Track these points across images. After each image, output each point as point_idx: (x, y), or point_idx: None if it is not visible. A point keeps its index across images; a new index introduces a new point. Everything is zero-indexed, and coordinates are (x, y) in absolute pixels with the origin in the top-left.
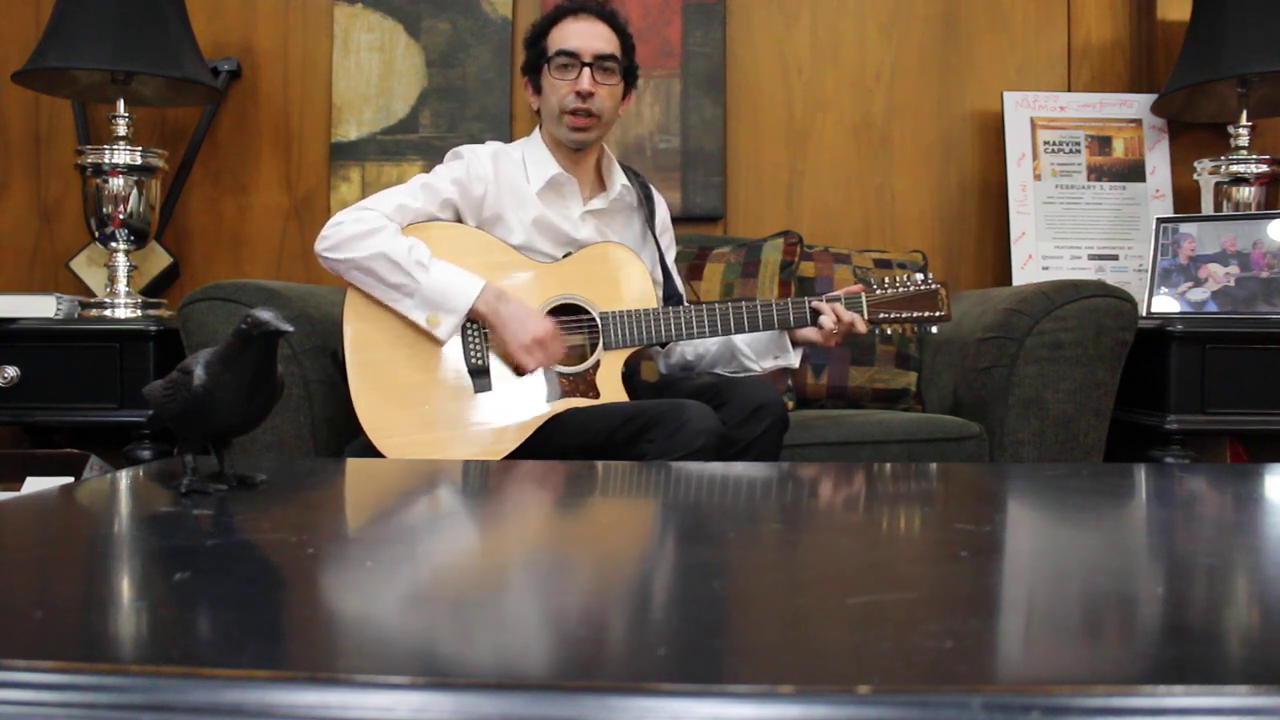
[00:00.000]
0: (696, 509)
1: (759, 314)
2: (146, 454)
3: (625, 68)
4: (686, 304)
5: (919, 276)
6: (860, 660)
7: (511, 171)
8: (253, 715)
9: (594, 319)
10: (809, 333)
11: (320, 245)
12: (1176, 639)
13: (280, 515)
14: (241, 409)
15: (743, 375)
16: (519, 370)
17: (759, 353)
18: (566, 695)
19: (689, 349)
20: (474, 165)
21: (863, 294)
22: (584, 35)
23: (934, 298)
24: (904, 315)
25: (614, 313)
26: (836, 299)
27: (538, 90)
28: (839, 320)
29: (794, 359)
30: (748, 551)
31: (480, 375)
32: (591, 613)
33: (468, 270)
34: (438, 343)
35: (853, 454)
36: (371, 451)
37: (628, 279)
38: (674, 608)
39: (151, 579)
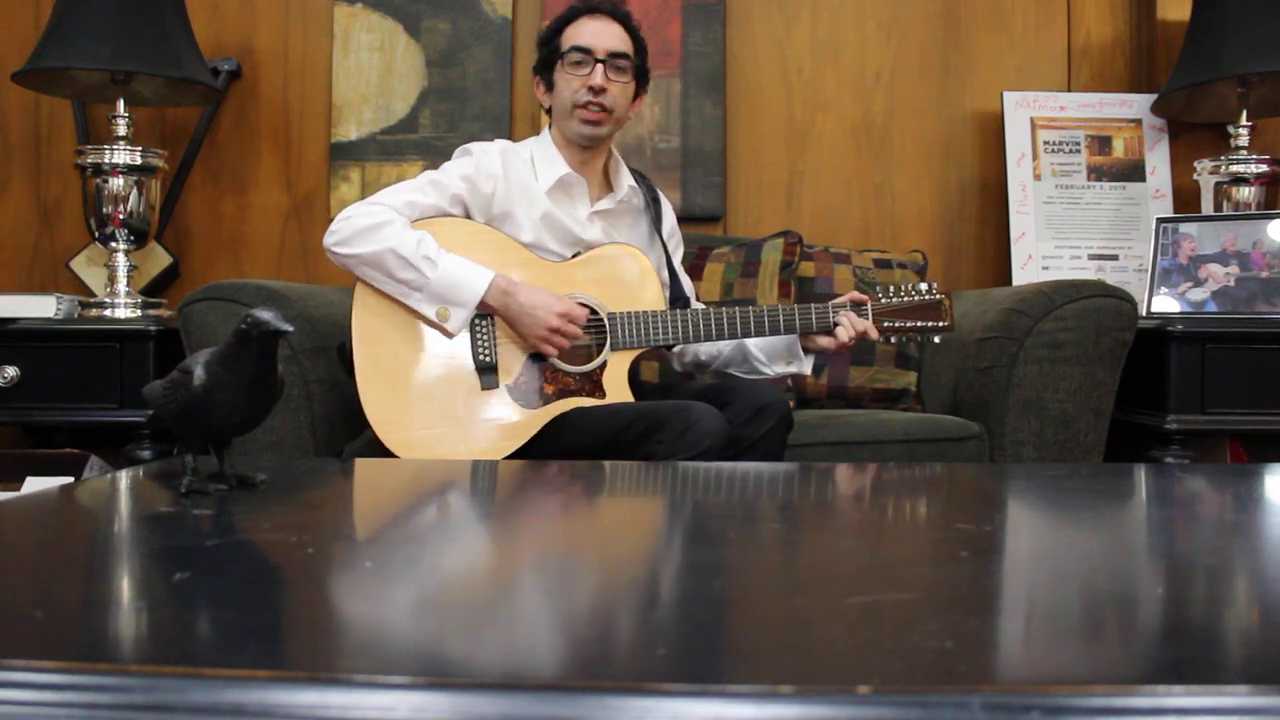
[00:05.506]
0: (697, 509)
1: (765, 319)
2: (146, 454)
3: (637, 68)
4: (695, 307)
5: (923, 286)
6: (860, 660)
7: (520, 169)
8: (253, 715)
9: (602, 320)
10: (824, 341)
11: (329, 240)
12: (1176, 639)
13: (280, 515)
14: (241, 409)
15: (753, 378)
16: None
17: (771, 358)
18: (567, 695)
19: (703, 349)
20: (483, 162)
21: (868, 303)
22: (598, 33)
23: (938, 308)
24: (908, 324)
25: (622, 314)
26: (842, 306)
27: (550, 87)
28: (853, 329)
29: (806, 366)
30: (748, 551)
31: (487, 372)
32: (592, 613)
33: (477, 264)
34: (448, 335)
35: (853, 454)
36: (372, 450)
37: (636, 281)
38: (674, 608)
39: (151, 579)
